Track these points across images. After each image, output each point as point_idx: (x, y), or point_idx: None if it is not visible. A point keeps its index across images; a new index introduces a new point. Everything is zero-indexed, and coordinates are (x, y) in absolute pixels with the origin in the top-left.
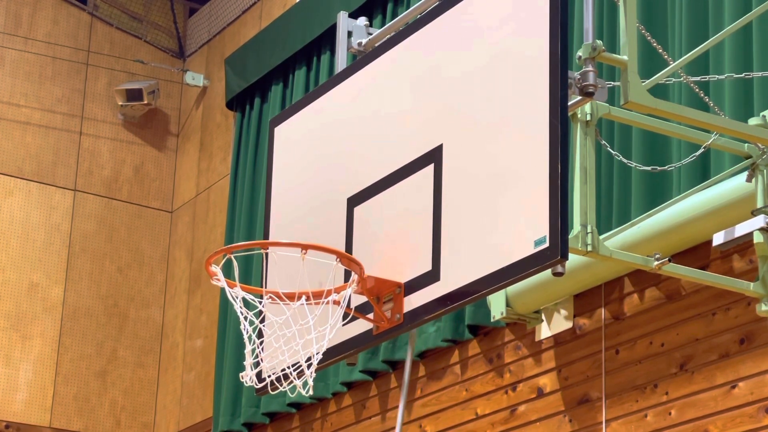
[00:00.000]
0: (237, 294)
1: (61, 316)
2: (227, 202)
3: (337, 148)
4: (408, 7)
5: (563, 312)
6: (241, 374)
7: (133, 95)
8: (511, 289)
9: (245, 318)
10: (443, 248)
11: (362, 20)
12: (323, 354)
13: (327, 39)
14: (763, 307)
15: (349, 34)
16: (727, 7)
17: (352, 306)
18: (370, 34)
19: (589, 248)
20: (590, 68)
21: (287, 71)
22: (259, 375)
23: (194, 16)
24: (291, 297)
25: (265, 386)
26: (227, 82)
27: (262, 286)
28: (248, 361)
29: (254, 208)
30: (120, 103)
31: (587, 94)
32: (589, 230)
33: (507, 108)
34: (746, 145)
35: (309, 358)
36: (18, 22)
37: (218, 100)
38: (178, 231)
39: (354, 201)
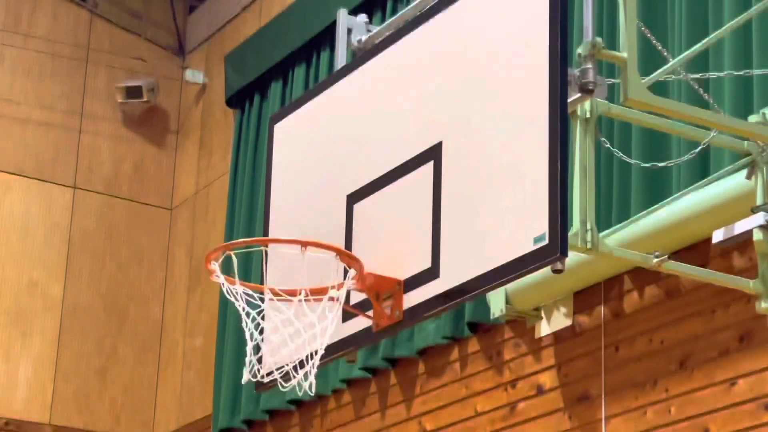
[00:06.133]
0: (237, 291)
1: (60, 313)
2: (227, 200)
3: (336, 146)
4: (408, 4)
5: (563, 309)
6: (243, 371)
7: (133, 92)
8: (511, 286)
9: (247, 315)
10: (443, 245)
11: (362, 17)
12: (323, 351)
13: (327, 36)
14: (763, 305)
15: (349, 31)
16: (726, 4)
17: (352, 303)
18: (370, 31)
19: (589, 246)
20: (590, 65)
21: (287, 68)
22: (259, 372)
23: (194, 14)
24: (291, 294)
25: (265, 383)
26: (227, 79)
27: (262, 284)
28: (248, 358)
29: (254, 206)
30: (119, 101)
31: (587, 91)
32: (588, 227)
33: (506, 105)
34: (746, 142)
35: (309, 355)
36: (18, 19)
37: (218, 98)
38: (178, 228)
39: (353, 198)
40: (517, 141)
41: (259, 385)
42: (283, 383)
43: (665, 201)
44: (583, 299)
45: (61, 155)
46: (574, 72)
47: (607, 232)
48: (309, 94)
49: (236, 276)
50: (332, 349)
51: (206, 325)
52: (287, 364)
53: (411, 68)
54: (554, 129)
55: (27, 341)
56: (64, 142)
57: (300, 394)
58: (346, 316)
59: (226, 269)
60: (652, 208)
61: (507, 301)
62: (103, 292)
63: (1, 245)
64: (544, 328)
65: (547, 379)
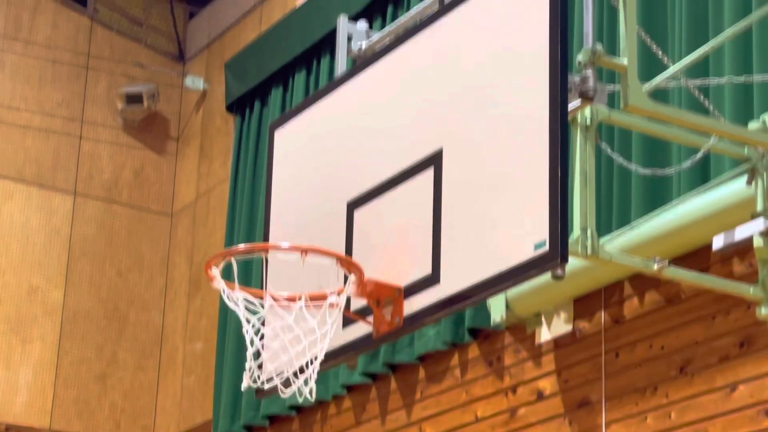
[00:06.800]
0: (237, 297)
1: (61, 319)
2: (227, 206)
3: (337, 152)
4: (408, 11)
5: (563, 315)
6: (243, 376)
7: (133, 99)
8: (511, 292)
9: (247, 321)
10: (443, 252)
11: (362, 24)
12: (323, 357)
13: (327, 43)
14: (763, 311)
15: (349, 38)
16: (726, 10)
17: (352, 309)
18: (370, 37)
19: (589, 252)
20: (590, 72)
21: (287, 75)
22: (259, 378)
23: (194, 20)
24: (291, 300)
25: (266, 389)
26: (227, 85)
27: (262, 290)
28: (248, 364)
29: (254, 212)
30: (120, 107)
31: (587, 98)
32: (589, 234)
33: (507, 112)
34: (746, 148)
35: (309, 361)
36: (18, 26)
37: (218, 104)
38: (178, 235)
39: (354, 205)
40: (517, 148)
41: (259, 391)
42: (283, 389)
43: (665, 207)
44: (583, 305)
45: (62, 162)
46: (574, 78)
47: (607, 238)
48: (309, 101)
49: (236, 282)
50: (332, 355)
51: (206, 331)
52: (287, 370)
53: (411, 75)
54: (555, 135)
55: (27, 347)
56: (65, 148)
57: (300, 399)
58: (347, 322)
59: (227, 275)
60: (653, 214)
61: (507, 307)
62: (103, 298)
63: (1, 252)
64: (545, 334)
65: (548, 385)
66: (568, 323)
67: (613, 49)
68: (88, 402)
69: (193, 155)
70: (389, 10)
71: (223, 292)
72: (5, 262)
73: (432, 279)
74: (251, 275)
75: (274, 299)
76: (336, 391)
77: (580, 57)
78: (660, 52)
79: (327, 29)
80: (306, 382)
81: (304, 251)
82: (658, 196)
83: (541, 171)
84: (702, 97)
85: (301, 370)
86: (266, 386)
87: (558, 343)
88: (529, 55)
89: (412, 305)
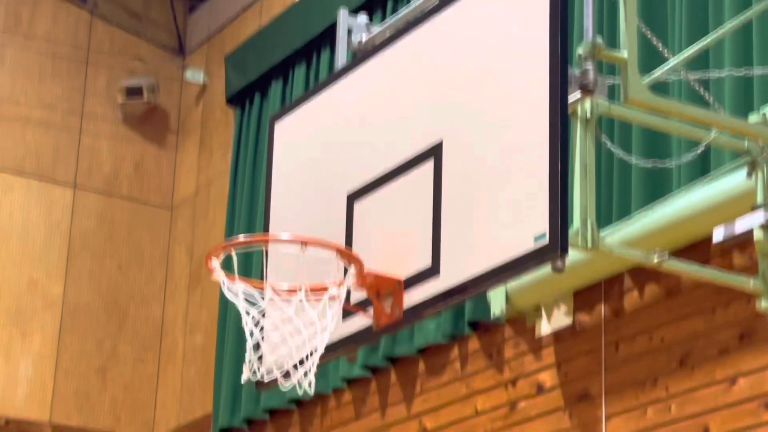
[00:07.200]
0: (237, 290)
1: (61, 312)
2: (227, 199)
3: (337, 144)
4: (408, 4)
5: (563, 308)
6: (244, 365)
7: (133, 92)
8: (511, 284)
9: (247, 313)
10: (443, 244)
11: (362, 18)
12: (323, 349)
13: (327, 36)
14: (763, 303)
15: (350, 31)
16: (727, 3)
17: (352, 301)
18: (371, 31)
19: (590, 244)
20: (590, 65)
21: (287, 68)
22: (259, 371)
23: (194, 13)
24: (291, 293)
25: (266, 382)
26: (227, 79)
27: (262, 282)
28: (248, 357)
29: (254, 205)
30: (120, 101)
31: (587, 91)
32: (589, 226)
33: (507, 104)
34: (746, 141)
35: (309, 354)
36: (18, 20)
37: (218, 97)
38: (178, 228)
39: (354, 197)
40: (517, 140)
41: (259, 384)
42: (282, 382)
43: (665, 199)
44: (583, 298)
45: (62, 155)
46: (574, 71)
47: (607, 230)
48: (309, 94)
49: (236, 275)
50: (332, 348)
51: (206, 324)
52: (287, 363)
53: (411, 68)
54: (555, 128)
55: (27, 340)
56: (65, 142)
57: (300, 392)
58: (346, 314)
59: (227, 268)
60: (653, 206)
61: (507, 300)
62: (103, 292)
63: (1, 245)
64: (545, 327)
65: (548, 378)
66: (568, 316)
67: (613, 42)
68: (88, 395)
69: (193, 148)
70: (389, 3)
71: (223, 284)
72: (5, 255)
73: (432, 271)
74: (251, 268)
75: (274, 292)
76: (336, 385)
77: (580, 50)
78: (660, 45)
79: (327, 23)
80: (305, 375)
81: (304, 243)
82: (658, 188)
83: (541, 163)
84: (702, 89)
85: (301, 363)
86: (266, 379)
87: (558, 336)
88: (530, 47)
89: (412, 297)
